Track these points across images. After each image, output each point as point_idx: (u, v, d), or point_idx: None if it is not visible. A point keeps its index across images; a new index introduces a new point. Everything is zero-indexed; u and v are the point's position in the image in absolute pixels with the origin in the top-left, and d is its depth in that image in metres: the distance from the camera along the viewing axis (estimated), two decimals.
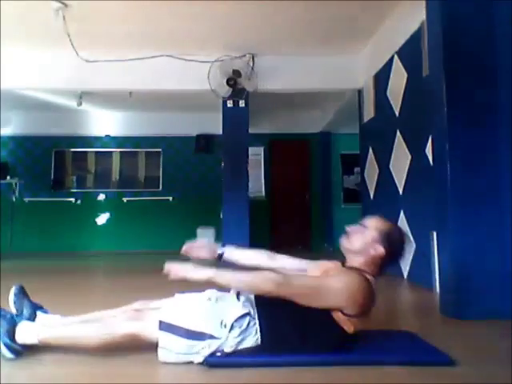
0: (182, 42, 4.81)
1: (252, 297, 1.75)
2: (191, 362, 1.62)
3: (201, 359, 1.61)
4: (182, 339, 1.61)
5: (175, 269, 1.66)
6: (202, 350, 1.61)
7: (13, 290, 1.92)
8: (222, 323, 1.63)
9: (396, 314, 2.73)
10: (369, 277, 1.68)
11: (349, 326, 1.63)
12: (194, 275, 1.63)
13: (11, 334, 1.67)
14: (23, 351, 1.70)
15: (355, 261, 1.73)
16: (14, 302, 1.87)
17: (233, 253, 1.94)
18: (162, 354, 1.63)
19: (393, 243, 1.71)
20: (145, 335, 1.66)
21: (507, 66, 2.49)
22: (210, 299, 1.75)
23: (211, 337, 1.61)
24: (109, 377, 1.57)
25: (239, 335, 1.62)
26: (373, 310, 1.71)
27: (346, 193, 7.79)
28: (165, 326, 1.63)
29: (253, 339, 1.63)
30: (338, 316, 1.62)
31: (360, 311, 1.62)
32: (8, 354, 1.67)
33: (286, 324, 1.65)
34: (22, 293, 1.93)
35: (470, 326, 2.22)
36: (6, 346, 1.66)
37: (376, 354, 1.72)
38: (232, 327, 1.62)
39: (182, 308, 1.73)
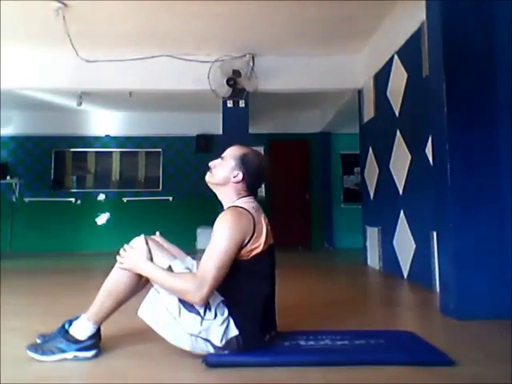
0: (181, 42, 4.81)
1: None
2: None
3: (182, 338, 1.62)
4: (174, 296, 1.63)
5: (125, 258, 1.72)
6: (186, 324, 1.61)
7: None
8: (207, 305, 1.63)
9: (396, 313, 2.73)
10: (241, 201, 1.74)
11: (256, 249, 1.67)
12: (134, 268, 1.70)
13: (72, 339, 1.70)
14: (96, 341, 1.73)
15: (226, 196, 1.80)
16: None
17: None
18: (148, 301, 1.67)
19: (249, 165, 1.79)
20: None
21: (507, 66, 2.49)
22: None
23: (198, 313, 1.61)
24: (108, 377, 1.57)
25: (222, 323, 1.62)
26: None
27: (346, 193, 7.80)
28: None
29: (235, 328, 1.64)
30: (244, 254, 1.65)
31: (248, 234, 1.65)
32: (88, 354, 1.71)
33: (235, 297, 1.67)
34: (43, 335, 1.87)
35: (470, 325, 2.22)
36: (78, 350, 1.69)
37: (376, 354, 1.72)
38: (216, 314, 1.62)
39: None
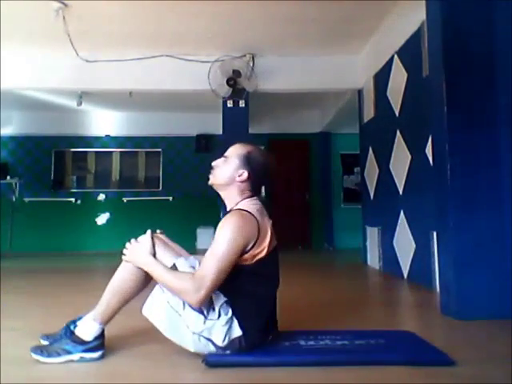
0: (182, 42, 4.81)
1: None
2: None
3: (187, 336, 1.62)
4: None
5: (129, 251, 1.72)
6: (190, 322, 1.60)
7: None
8: (211, 305, 1.63)
9: (396, 313, 2.74)
10: (244, 203, 1.71)
11: (260, 253, 1.65)
12: (136, 262, 1.69)
13: (79, 340, 1.68)
14: (102, 342, 1.72)
15: (230, 196, 1.76)
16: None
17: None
18: (152, 299, 1.66)
19: (254, 163, 1.75)
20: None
21: (507, 66, 2.49)
22: None
23: (201, 312, 1.61)
24: (107, 377, 1.57)
25: (226, 323, 1.61)
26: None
27: (346, 193, 7.80)
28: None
29: (239, 328, 1.63)
30: (248, 258, 1.63)
31: (253, 239, 1.62)
32: (94, 355, 1.69)
33: (240, 300, 1.65)
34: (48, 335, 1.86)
35: (470, 325, 2.22)
36: (85, 351, 1.68)
37: (376, 354, 1.72)
38: (219, 314, 1.62)
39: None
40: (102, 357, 1.71)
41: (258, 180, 1.77)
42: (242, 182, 1.74)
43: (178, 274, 1.63)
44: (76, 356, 1.68)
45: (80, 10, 4.03)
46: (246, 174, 1.73)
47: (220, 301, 1.64)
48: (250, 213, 1.66)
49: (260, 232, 1.65)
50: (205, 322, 1.60)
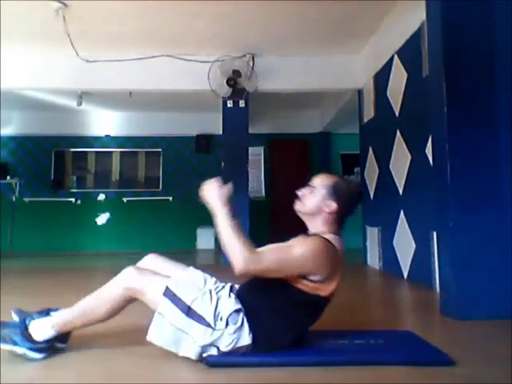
0: (182, 42, 4.81)
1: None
2: (189, 358, 1.62)
3: (192, 349, 1.59)
4: (182, 313, 1.61)
5: (208, 188, 1.74)
6: (197, 336, 1.59)
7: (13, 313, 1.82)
8: (218, 315, 1.62)
9: (396, 313, 2.73)
10: (331, 237, 1.70)
11: (322, 291, 1.65)
12: (210, 197, 1.70)
13: (29, 337, 1.67)
14: (51, 346, 1.70)
15: (315, 224, 1.76)
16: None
17: None
18: (155, 326, 1.62)
19: (342, 195, 1.74)
20: (146, 293, 1.66)
21: (507, 66, 2.49)
22: (210, 291, 1.73)
23: (208, 325, 1.60)
24: (107, 377, 1.56)
25: (234, 332, 1.60)
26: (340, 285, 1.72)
27: None
28: (169, 294, 1.63)
29: (248, 338, 1.62)
30: (306, 286, 1.63)
31: (326, 273, 1.63)
32: (37, 355, 1.67)
33: (269, 316, 1.65)
34: (23, 311, 1.84)
35: (470, 325, 2.22)
36: (30, 349, 1.66)
37: (376, 354, 1.72)
38: (227, 323, 1.60)
39: (190, 285, 1.74)
40: (43, 359, 1.68)
41: (344, 212, 1.76)
42: (329, 213, 1.73)
43: (243, 238, 1.58)
44: (20, 350, 1.65)
45: (80, 10, 4.03)
46: (334, 206, 1.72)
47: (229, 309, 1.63)
48: (336, 249, 1.67)
49: (336, 272, 1.66)
50: (212, 334, 1.59)
